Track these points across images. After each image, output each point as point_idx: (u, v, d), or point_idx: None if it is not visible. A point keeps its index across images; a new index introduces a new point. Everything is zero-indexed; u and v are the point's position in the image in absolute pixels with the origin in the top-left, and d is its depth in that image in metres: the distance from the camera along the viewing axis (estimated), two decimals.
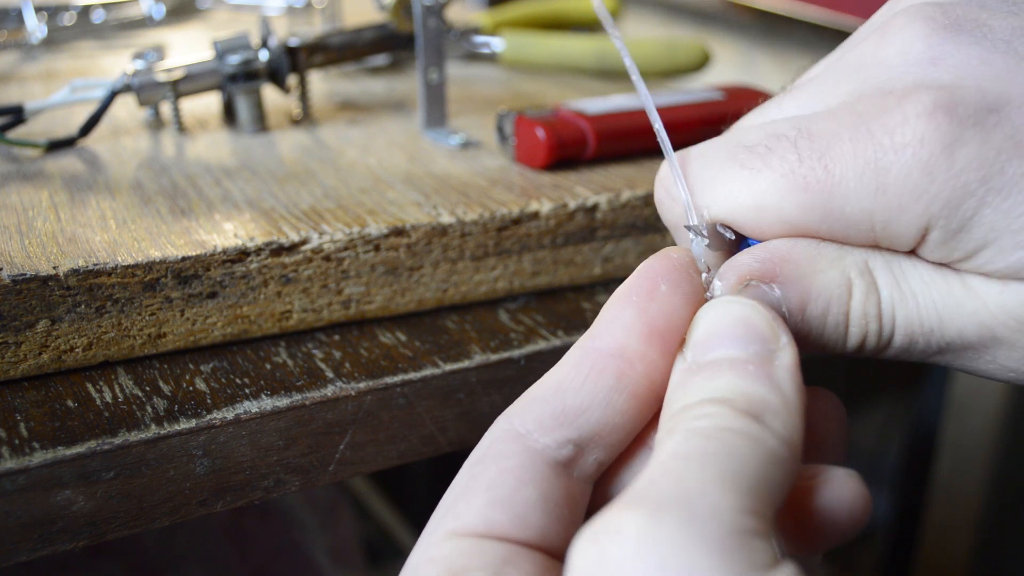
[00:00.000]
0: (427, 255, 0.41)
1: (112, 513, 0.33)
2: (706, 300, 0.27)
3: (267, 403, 0.35)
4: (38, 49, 0.73)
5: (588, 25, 0.79)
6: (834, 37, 0.65)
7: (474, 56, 0.70)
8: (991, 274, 0.25)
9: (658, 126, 0.30)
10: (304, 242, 0.38)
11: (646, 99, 0.30)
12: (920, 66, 0.26)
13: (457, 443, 0.39)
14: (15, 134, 0.50)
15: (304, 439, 0.35)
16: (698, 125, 0.50)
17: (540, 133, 0.47)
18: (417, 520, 1.24)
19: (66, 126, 0.53)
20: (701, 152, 0.29)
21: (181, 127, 0.53)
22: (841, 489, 0.25)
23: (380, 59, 0.68)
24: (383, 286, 0.40)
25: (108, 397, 0.35)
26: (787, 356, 0.24)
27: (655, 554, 0.19)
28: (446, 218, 0.41)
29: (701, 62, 0.68)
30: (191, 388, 0.36)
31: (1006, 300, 0.25)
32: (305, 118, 0.56)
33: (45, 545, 0.32)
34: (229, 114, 0.55)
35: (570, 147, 0.47)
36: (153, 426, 0.33)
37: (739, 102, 0.53)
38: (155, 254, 0.36)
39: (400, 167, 0.47)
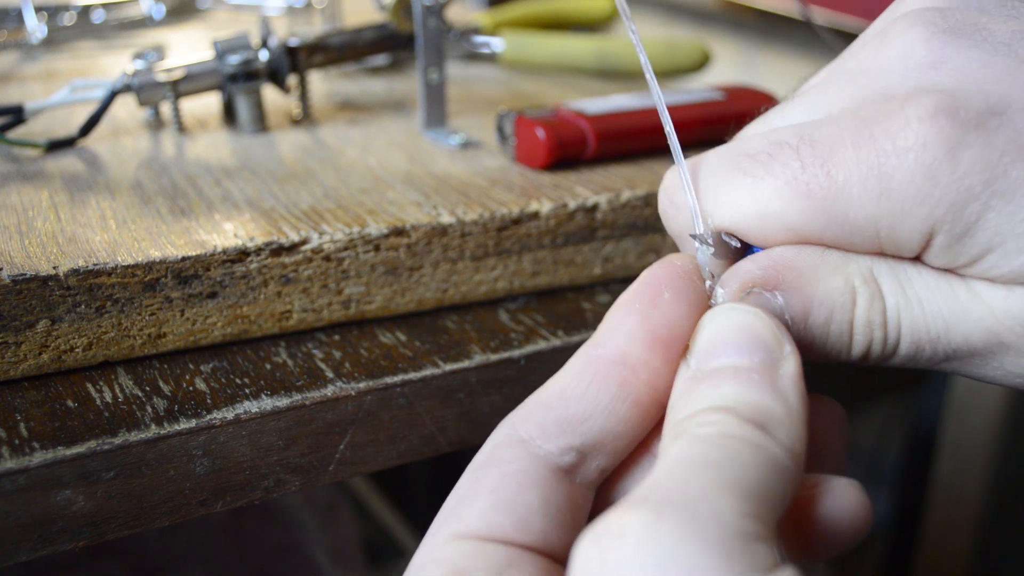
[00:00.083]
0: (427, 255, 0.41)
1: (112, 513, 0.33)
2: (710, 307, 0.27)
3: (267, 403, 0.35)
4: (38, 49, 0.73)
5: (588, 25, 0.79)
6: (834, 37, 0.65)
7: (474, 56, 0.70)
8: (996, 279, 0.25)
9: (669, 128, 0.30)
10: (304, 242, 0.38)
11: (660, 103, 0.30)
12: (921, 70, 0.26)
13: (457, 443, 0.39)
14: (15, 134, 0.50)
15: (304, 439, 0.35)
16: (698, 125, 0.50)
17: (540, 133, 0.46)
18: (417, 520, 1.24)
19: (66, 126, 0.53)
20: (704, 161, 0.29)
21: (181, 127, 0.53)
22: (843, 499, 0.25)
23: (380, 59, 0.68)
24: (383, 286, 0.40)
25: (108, 397, 0.35)
26: (791, 365, 0.24)
27: (656, 554, 0.19)
28: (446, 218, 0.41)
29: (701, 62, 0.68)
30: (191, 388, 0.36)
31: (1012, 305, 0.25)
32: (305, 118, 0.56)
33: (45, 545, 0.32)
34: (229, 114, 0.55)
35: (570, 147, 0.47)
36: (153, 426, 0.33)
37: (739, 102, 0.53)
38: (155, 254, 0.36)
39: (400, 167, 0.47)
